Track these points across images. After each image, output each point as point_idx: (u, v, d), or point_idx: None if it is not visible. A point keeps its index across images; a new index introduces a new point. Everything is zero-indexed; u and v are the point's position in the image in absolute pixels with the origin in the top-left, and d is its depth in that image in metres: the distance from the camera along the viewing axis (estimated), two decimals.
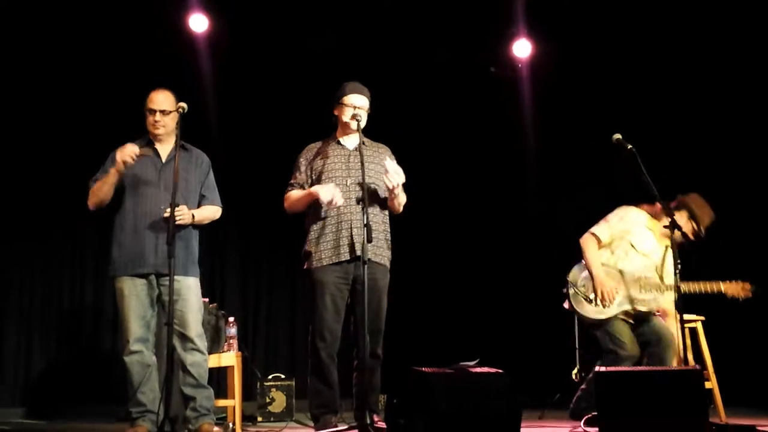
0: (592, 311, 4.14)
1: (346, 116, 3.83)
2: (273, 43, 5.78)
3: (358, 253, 3.66)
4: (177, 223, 3.51)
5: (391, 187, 3.69)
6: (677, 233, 3.80)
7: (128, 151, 3.58)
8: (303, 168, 3.89)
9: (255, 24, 5.68)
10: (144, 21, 5.35)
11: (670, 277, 4.06)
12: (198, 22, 5.49)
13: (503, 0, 5.60)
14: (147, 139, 3.80)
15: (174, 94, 3.76)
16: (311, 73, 5.80)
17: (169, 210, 3.45)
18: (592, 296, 4.11)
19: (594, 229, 4.22)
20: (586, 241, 4.20)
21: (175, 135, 3.77)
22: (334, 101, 3.90)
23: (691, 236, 4.09)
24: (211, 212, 3.86)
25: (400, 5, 5.67)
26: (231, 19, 5.59)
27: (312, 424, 3.92)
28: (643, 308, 4.14)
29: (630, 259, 4.19)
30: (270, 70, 5.85)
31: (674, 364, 4.04)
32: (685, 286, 4.02)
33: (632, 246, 4.19)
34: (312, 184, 3.83)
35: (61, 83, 5.39)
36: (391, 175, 3.66)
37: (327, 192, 3.66)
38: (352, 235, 3.71)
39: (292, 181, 3.92)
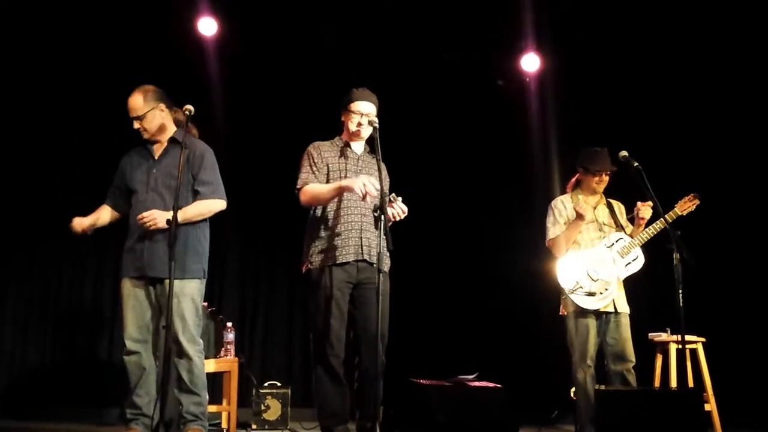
0: (592, 302, 4.16)
1: (352, 124, 3.78)
2: (278, 46, 5.79)
3: (365, 256, 3.63)
4: (149, 228, 3.49)
5: (393, 217, 3.60)
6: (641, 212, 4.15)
7: (76, 226, 3.67)
8: (317, 161, 3.77)
9: (261, 29, 5.68)
10: (154, 24, 5.35)
11: (628, 227, 4.35)
12: (207, 26, 5.51)
13: (512, 14, 5.60)
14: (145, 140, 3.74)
15: (144, 92, 3.63)
16: (315, 79, 5.79)
17: (143, 215, 3.47)
18: (593, 289, 4.16)
19: (550, 235, 4.35)
20: (552, 242, 4.32)
21: (168, 131, 3.68)
22: (342, 106, 3.86)
23: (601, 179, 4.30)
24: (202, 208, 3.63)
25: (407, 18, 5.66)
26: (239, 23, 5.60)
27: None
28: (638, 267, 4.24)
29: (587, 233, 4.30)
30: (273, 76, 5.85)
31: (631, 379, 4.11)
32: (651, 229, 4.18)
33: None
34: (327, 182, 3.73)
35: (65, 85, 5.39)
36: (399, 206, 3.60)
37: (359, 183, 3.48)
38: (361, 238, 3.66)
39: (304, 175, 3.76)
